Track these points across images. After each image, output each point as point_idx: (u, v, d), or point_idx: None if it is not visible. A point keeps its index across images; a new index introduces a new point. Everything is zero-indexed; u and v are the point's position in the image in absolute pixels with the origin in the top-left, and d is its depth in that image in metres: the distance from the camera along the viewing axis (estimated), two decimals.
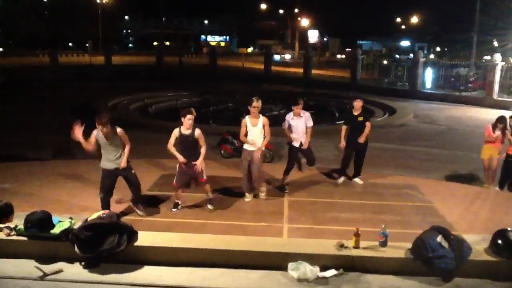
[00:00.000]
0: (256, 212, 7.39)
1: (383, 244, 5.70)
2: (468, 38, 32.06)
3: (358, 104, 8.59)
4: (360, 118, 8.59)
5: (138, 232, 5.85)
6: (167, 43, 63.53)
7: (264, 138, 7.68)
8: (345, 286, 5.24)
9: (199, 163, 7.06)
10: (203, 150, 7.12)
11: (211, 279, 5.30)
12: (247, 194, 7.93)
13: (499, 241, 5.60)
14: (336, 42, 66.34)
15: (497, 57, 23.01)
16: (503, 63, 23.41)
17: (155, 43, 46.69)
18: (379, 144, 12.36)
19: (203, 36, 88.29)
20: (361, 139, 8.50)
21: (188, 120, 6.94)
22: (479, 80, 26.32)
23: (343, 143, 8.68)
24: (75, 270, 5.46)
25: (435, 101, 23.49)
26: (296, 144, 8.26)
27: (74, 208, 7.17)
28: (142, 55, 51.12)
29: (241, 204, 7.75)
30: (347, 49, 59.79)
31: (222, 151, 11.39)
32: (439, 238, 5.46)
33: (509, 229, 5.74)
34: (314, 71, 33.25)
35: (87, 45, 47.43)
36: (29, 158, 10.64)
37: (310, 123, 8.28)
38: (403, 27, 67.27)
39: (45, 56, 39.34)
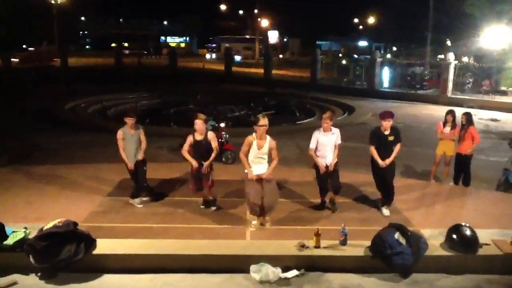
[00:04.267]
0: (219, 214, 7.33)
1: (343, 242, 5.80)
2: (422, 38, 32.98)
3: (387, 124, 7.37)
4: (391, 138, 7.42)
5: (97, 239, 5.73)
6: (126, 44, 62.42)
7: (270, 161, 6.82)
8: (307, 286, 5.30)
9: (206, 164, 7.15)
10: (213, 155, 7.23)
11: (172, 285, 5.25)
12: (254, 219, 6.86)
13: (454, 236, 5.80)
14: (296, 42, 66.89)
15: (451, 56, 23.77)
16: (456, 61, 24.24)
17: (113, 44, 45.78)
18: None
19: (162, 37, 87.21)
20: (387, 161, 7.35)
21: (197, 126, 7.09)
22: (434, 78, 27.16)
23: (382, 162, 7.37)
24: (30, 282, 5.30)
25: (392, 100, 24.05)
26: (322, 164, 7.34)
27: (29, 217, 6.90)
28: (99, 56, 50.08)
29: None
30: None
31: None
32: (397, 235, 5.60)
33: (463, 224, 5.96)
34: (274, 71, 33.44)
35: (42, 46, 46.06)
36: None
37: (339, 140, 7.39)
38: (360, 27, 68.60)
39: None
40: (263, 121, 6.59)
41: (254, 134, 6.67)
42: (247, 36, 68.59)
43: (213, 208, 7.48)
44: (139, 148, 7.63)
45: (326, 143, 7.25)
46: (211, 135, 7.26)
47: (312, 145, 7.33)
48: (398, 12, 39.90)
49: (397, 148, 7.44)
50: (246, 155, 6.74)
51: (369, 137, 7.56)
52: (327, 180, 7.41)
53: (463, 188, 9.26)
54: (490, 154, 12.38)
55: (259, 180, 6.68)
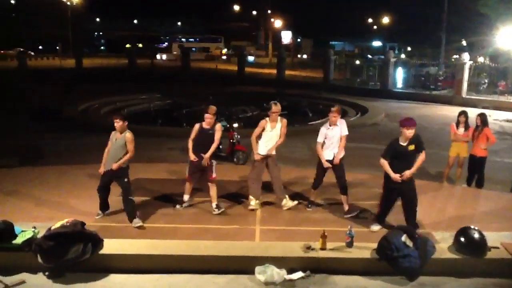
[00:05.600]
0: (228, 214, 7.32)
1: (350, 244, 5.76)
2: (437, 38, 32.67)
3: (410, 134, 6.35)
4: (411, 147, 6.40)
5: (104, 239, 5.77)
6: (140, 45, 62.76)
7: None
8: None
9: (207, 155, 7.21)
10: (213, 145, 7.28)
11: (177, 286, 5.27)
12: (254, 200, 7.46)
13: (462, 239, 5.73)
14: (308, 42, 66.63)
15: (465, 56, 23.47)
16: (471, 62, 23.91)
17: (127, 46, 46.20)
18: (352, 144, 12.44)
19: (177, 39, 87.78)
20: (407, 173, 6.36)
21: (207, 119, 7.26)
22: (448, 79, 26.84)
23: (396, 176, 6.41)
24: (38, 281, 5.36)
25: (406, 100, 23.84)
26: (325, 159, 7.31)
27: (41, 216, 6.96)
28: (113, 57, 50.55)
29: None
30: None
31: None
32: (404, 238, 5.54)
33: (471, 227, 5.88)
34: (287, 72, 33.39)
35: (57, 48, 46.70)
36: None
37: (345, 131, 7.30)
38: (374, 27, 68.17)
39: (13, 59, 38.50)
40: (275, 107, 7.38)
41: (267, 118, 7.44)
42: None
43: (217, 211, 7.34)
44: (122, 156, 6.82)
45: (332, 136, 7.30)
46: (218, 126, 7.37)
47: (320, 139, 7.37)
48: (411, 12, 39.64)
49: (421, 157, 6.49)
50: (257, 138, 7.44)
51: (385, 149, 6.65)
52: (324, 174, 7.50)
53: (476, 190, 9.14)
54: (505, 156, 12.21)
55: (264, 160, 7.43)
